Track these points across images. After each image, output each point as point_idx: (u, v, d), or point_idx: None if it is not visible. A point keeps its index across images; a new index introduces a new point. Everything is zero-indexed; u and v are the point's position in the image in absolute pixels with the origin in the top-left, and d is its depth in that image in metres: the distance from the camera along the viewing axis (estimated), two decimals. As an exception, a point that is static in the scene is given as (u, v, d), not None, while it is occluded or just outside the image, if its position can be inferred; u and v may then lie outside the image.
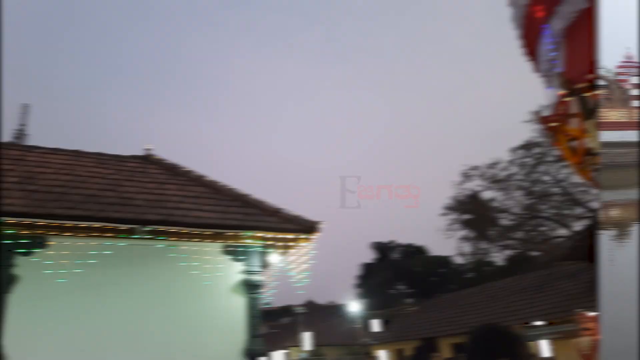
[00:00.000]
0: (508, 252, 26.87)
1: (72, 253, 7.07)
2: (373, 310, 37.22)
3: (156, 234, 7.29)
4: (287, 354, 38.67)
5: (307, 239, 8.49)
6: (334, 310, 47.04)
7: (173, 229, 7.35)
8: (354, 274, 52.10)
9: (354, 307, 34.82)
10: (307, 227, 8.36)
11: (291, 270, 8.87)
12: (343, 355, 34.64)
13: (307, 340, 35.92)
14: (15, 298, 6.60)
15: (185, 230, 7.44)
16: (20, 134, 20.48)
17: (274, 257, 9.06)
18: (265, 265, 9.52)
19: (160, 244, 7.65)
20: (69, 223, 6.68)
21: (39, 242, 6.99)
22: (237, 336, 7.64)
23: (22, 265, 6.80)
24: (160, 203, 7.85)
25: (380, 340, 27.91)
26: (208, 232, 7.68)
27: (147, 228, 7.03)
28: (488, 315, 19.97)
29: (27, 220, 6.49)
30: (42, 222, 6.55)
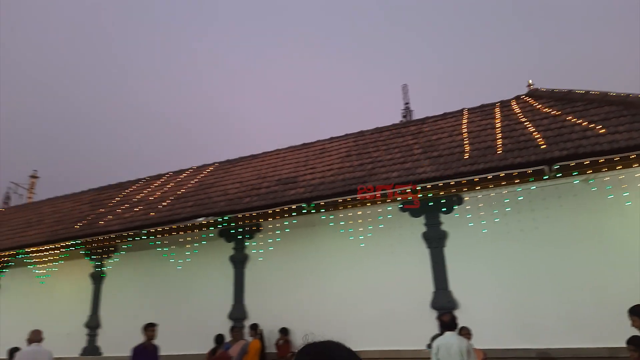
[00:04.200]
0: None
1: (487, 204, 7.39)
2: None
3: (567, 171, 6.55)
4: None
5: None
6: None
7: (586, 162, 6.39)
8: None
9: None
10: None
11: None
12: None
13: None
14: (448, 250, 7.52)
15: (601, 159, 6.32)
16: (407, 111, 23.75)
17: None
18: None
19: (574, 180, 6.87)
20: (475, 177, 6.97)
21: (456, 200, 7.70)
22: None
23: (447, 222, 7.68)
24: (562, 137, 7.03)
25: None
26: (632, 156, 6.24)
27: (555, 166, 6.41)
28: None
29: (440, 183, 7.25)
30: (452, 181, 7.14)
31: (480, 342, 5.98)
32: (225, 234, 9.34)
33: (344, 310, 7.86)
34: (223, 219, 8.73)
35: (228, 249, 9.25)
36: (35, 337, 6.56)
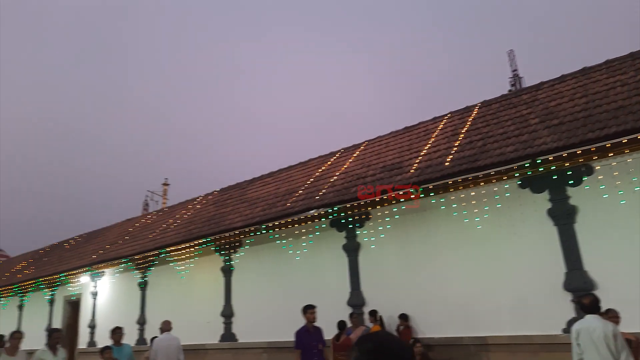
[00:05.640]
0: None
1: (624, 172, 6.52)
2: None
3: None
4: None
5: None
6: None
7: None
8: None
9: None
10: None
11: None
12: None
13: None
14: (579, 226, 6.80)
15: None
16: (515, 79, 21.70)
17: None
18: None
19: None
20: (607, 143, 6.19)
21: (584, 170, 6.92)
22: None
23: (575, 196, 6.94)
24: None
25: None
26: None
27: None
28: None
29: (564, 153, 6.57)
30: (579, 150, 6.43)
31: (627, 326, 5.33)
32: (336, 224, 9.58)
33: (465, 294, 7.57)
34: (332, 210, 8.96)
35: (340, 238, 9.47)
36: (166, 326, 7.54)
